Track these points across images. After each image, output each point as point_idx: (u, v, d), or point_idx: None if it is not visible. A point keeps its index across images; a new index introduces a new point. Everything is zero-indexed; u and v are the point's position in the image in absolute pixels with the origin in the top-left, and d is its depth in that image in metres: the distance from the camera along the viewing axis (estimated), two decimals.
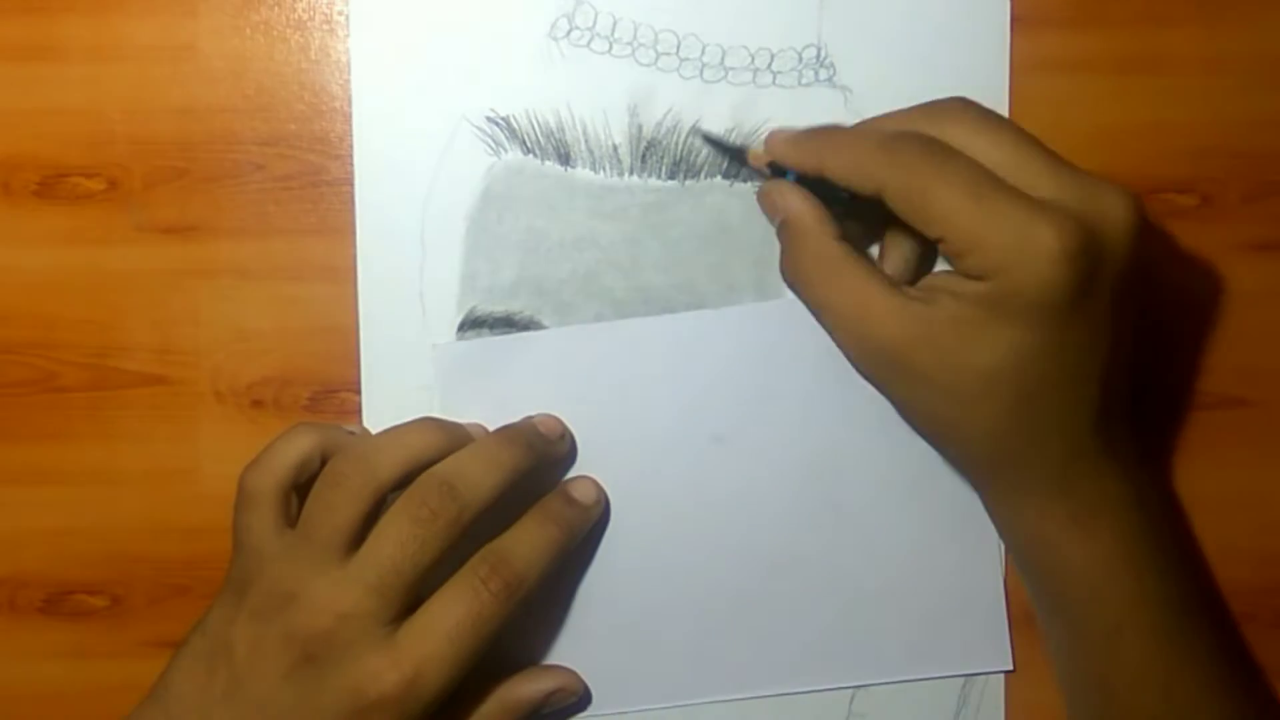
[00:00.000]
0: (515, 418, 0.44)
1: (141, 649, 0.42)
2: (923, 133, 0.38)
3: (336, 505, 0.40)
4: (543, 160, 0.45)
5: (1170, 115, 0.45)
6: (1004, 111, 0.44)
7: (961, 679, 0.45)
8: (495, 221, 0.45)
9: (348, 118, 0.45)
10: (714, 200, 0.45)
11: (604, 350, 0.45)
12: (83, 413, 0.45)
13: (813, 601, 0.45)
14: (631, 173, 0.45)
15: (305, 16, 0.45)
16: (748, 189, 0.44)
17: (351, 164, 0.45)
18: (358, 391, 0.45)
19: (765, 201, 0.42)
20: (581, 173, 0.45)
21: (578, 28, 0.44)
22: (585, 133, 0.44)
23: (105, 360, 0.45)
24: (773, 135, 0.42)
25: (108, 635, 0.46)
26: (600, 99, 0.44)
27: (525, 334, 0.45)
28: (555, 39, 0.44)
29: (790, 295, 0.42)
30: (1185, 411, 0.46)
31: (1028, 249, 0.35)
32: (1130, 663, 0.39)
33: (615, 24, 0.44)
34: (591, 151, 0.44)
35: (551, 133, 0.44)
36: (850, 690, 0.45)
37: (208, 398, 0.45)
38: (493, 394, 0.45)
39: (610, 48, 0.44)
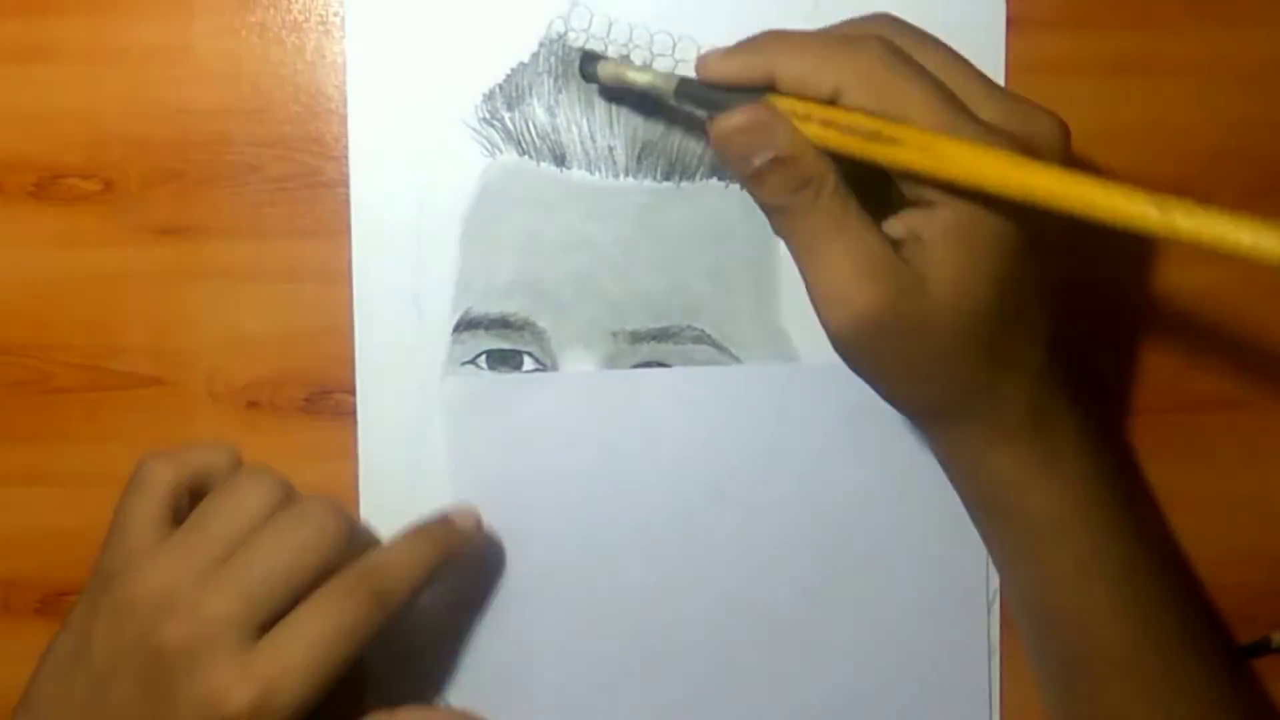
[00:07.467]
0: (521, 457, 0.45)
1: None
2: (879, 35, 0.35)
3: (246, 503, 0.39)
4: (538, 161, 0.45)
5: (1166, 117, 0.45)
6: None
7: None
8: (491, 223, 0.45)
9: (343, 119, 0.45)
10: (709, 202, 0.45)
11: (613, 397, 0.45)
12: (78, 414, 0.45)
13: (800, 667, 0.45)
14: (627, 174, 0.45)
15: (301, 18, 0.45)
16: (744, 191, 0.44)
17: (347, 165, 0.45)
18: (353, 393, 0.45)
19: (740, 137, 0.35)
20: (577, 174, 0.45)
21: (573, 29, 0.44)
22: (581, 134, 0.44)
23: (101, 362, 0.45)
24: (704, 58, 0.37)
25: None
26: (597, 100, 0.44)
27: (536, 374, 0.45)
28: (551, 40, 0.44)
29: (805, 361, 0.43)
30: (1182, 413, 0.46)
31: None
32: (1102, 596, 0.39)
33: (611, 25, 0.44)
34: (587, 153, 0.44)
35: (547, 134, 0.44)
36: None
37: (203, 399, 0.45)
38: (498, 431, 0.45)
39: (606, 49, 0.44)
